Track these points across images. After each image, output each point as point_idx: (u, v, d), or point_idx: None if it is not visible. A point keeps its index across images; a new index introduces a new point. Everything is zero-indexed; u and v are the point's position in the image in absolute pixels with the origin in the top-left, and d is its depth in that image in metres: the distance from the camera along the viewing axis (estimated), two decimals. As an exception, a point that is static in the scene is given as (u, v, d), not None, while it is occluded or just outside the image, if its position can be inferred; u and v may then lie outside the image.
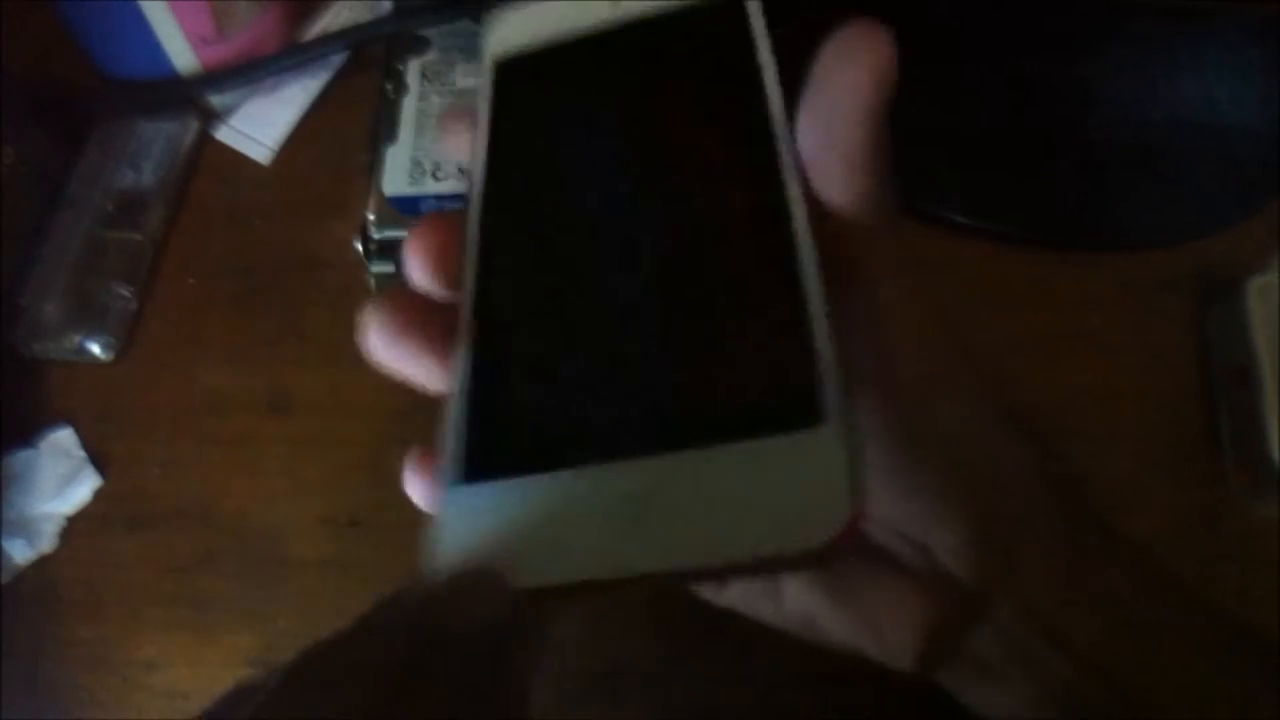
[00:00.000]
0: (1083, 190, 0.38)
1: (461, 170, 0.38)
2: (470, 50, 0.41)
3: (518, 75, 0.23)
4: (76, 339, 0.38)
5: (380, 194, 0.37)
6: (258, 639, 0.32)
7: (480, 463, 0.17)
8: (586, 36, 0.22)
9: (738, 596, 0.22)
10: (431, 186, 0.38)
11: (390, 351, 0.20)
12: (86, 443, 0.36)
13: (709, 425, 0.15)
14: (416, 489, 0.20)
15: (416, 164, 0.38)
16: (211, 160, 0.42)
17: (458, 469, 0.17)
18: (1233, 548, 0.31)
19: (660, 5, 0.21)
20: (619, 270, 0.19)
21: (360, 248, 0.37)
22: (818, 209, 0.18)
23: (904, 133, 0.19)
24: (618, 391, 0.17)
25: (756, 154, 0.19)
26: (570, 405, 0.17)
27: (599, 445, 0.16)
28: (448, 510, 0.17)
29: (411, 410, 0.24)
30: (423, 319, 0.20)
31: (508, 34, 0.23)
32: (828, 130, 0.18)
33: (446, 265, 0.20)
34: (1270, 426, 0.31)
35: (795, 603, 0.21)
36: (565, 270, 0.19)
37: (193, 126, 0.42)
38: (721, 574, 0.15)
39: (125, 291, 0.39)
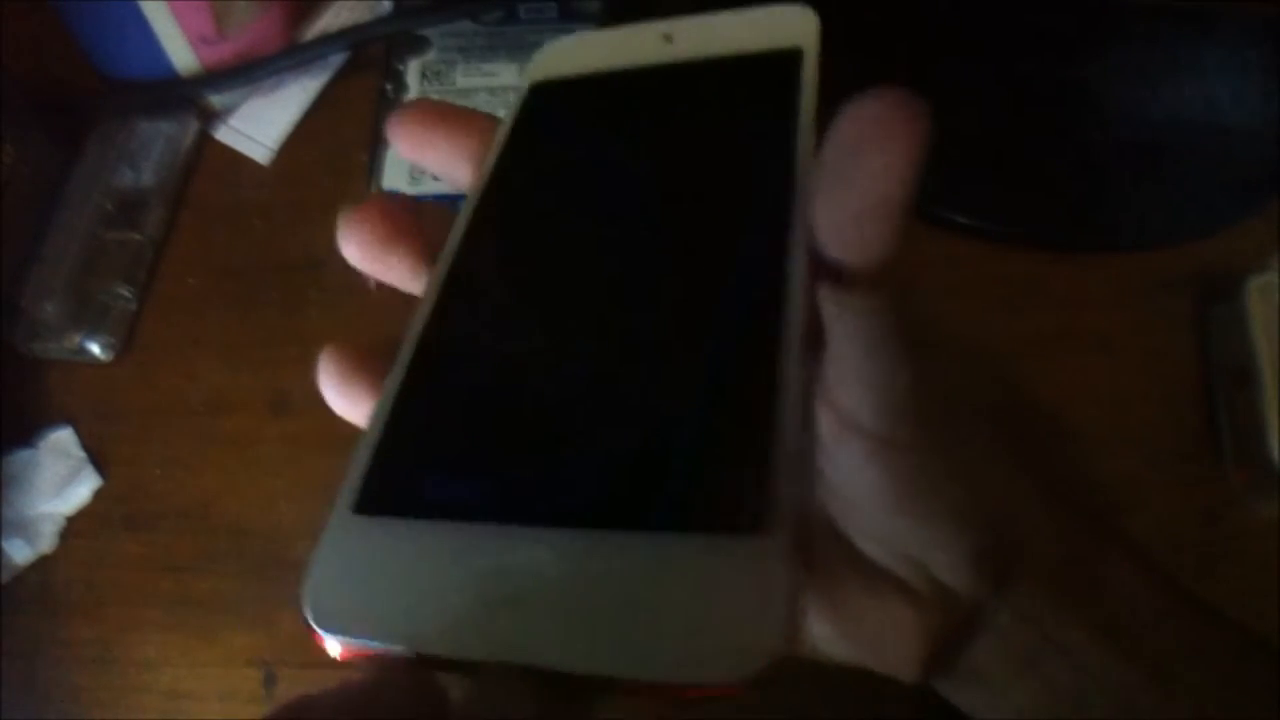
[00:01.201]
0: (1083, 190, 0.38)
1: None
2: (470, 50, 0.41)
3: (546, 100, 0.22)
4: (76, 339, 0.38)
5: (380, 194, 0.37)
6: (258, 639, 0.32)
7: (377, 496, 0.16)
8: (626, 72, 0.21)
9: None
10: (431, 186, 0.38)
11: (339, 396, 0.20)
12: (86, 443, 0.36)
13: (638, 507, 0.13)
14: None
15: (416, 164, 0.38)
16: (211, 160, 0.42)
17: (352, 496, 0.16)
18: (1233, 548, 0.31)
19: (716, 48, 0.20)
20: (583, 323, 0.17)
21: (360, 248, 0.37)
22: (814, 281, 0.16)
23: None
24: (546, 451, 0.15)
25: (765, 226, 0.17)
26: (489, 455, 0.16)
27: (509, 505, 0.14)
28: (331, 537, 0.15)
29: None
30: (374, 363, 0.19)
31: (554, 60, 0.23)
32: (852, 225, 0.16)
33: (383, 252, 0.20)
34: (1270, 426, 0.31)
35: None
36: (527, 312, 0.18)
37: (193, 126, 0.42)
38: (617, 687, 0.12)
39: (125, 291, 0.39)
